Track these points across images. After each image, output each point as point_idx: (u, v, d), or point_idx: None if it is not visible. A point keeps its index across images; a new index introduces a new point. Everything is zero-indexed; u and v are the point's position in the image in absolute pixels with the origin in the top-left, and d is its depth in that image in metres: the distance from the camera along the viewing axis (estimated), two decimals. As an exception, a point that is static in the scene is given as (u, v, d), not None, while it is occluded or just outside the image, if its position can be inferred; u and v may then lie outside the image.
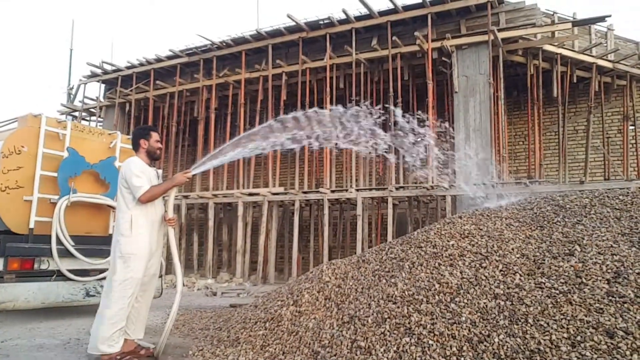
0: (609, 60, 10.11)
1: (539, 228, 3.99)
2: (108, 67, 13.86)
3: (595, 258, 3.31)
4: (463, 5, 9.20)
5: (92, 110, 14.98)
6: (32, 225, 5.43)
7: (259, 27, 11.11)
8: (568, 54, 9.70)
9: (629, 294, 2.87)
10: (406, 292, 3.61)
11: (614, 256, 3.29)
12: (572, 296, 2.98)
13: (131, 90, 13.32)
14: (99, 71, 14.08)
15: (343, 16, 10.17)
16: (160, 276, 6.18)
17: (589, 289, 3.02)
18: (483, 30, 9.08)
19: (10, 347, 4.13)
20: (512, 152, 11.45)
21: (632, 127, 10.71)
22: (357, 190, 9.71)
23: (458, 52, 9.37)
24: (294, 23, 10.55)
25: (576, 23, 9.13)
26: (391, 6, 9.60)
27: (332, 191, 10.09)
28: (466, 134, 9.05)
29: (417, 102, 10.85)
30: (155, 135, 3.97)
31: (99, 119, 14.89)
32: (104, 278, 5.80)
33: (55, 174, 5.67)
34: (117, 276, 3.64)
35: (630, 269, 3.12)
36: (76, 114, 15.10)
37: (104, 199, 6.12)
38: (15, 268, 5.13)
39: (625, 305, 2.81)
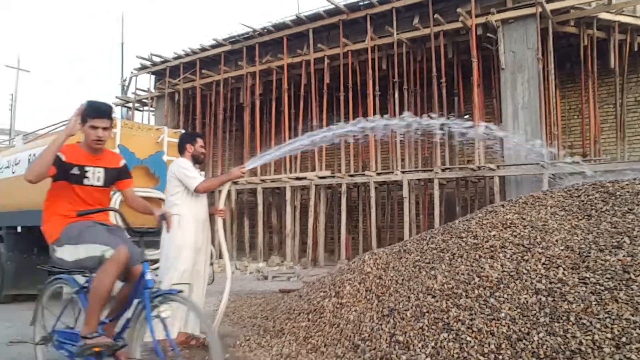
0: (675, 25, 9.39)
1: (585, 217, 3.85)
2: (156, 59, 14.30)
3: (645, 251, 3.17)
4: (508, -25, 8.79)
5: (144, 100, 15.54)
6: (90, 220, 5.78)
7: (299, 11, 11.09)
8: (627, 21, 9.09)
9: (680, 291, 2.75)
10: (445, 286, 3.61)
11: (666, 249, 3.14)
12: (618, 293, 2.88)
13: (179, 81, 13.69)
14: (148, 63, 14.55)
15: (383, -4, 9.98)
16: (211, 264, 6.47)
17: (637, 285, 2.91)
18: (530, 3, 8.65)
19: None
20: (566, 127, 10.93)
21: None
22: (403, 172, 9.63)
23: (504, 26, 9.00)
24: (333, 6, 10.44)
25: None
26: (433, -18, 9.32)
27: (378, 174, 10.07)
28: (514, 112, 8.74)
29: (463, 79, 10.52)
30: (200, 141, 4.15)
31: (151, 109, 15.43)
32: (157, 268, 6.15)
33: (108, 171, 5.98)
34: (170, 269, 3.86)
35: (683, 263, 2.97)
36: (129, 105, 15.74)
37: (155, 192, 6.42)
38: (75, 261, 5.49)
39: (675, 303, 2.69)
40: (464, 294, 3.43)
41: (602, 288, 2.98)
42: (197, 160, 4.17)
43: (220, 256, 6.56)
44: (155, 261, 6.03)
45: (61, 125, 6.82)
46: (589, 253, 3.36)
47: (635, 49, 9.68)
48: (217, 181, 4.06)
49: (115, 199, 5.87)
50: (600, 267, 3.19)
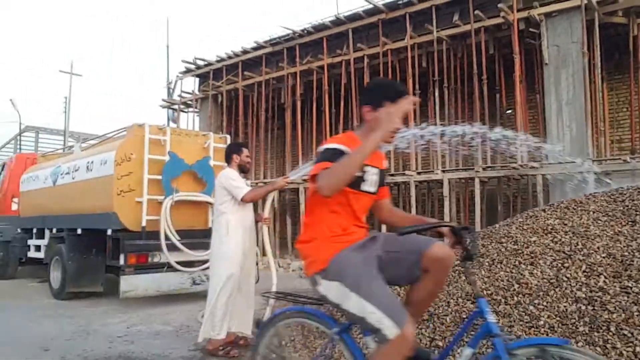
0: None
1: (629, 223, 3.82)
2: (200, 63, 14.73)
3: (690, 260, 3.15)
4: (552, -32, 8.58)
5: (188, 102, 16.05)
6: (144, 224, 6.15)
7: (338, 11, 11.19)
8: (680, 9, 8.70)
9: None
10: (484, 292, 3.67)
11: None
12: (660, 303, 2.89)
13: (222, 83, 14.08)
14: (192, 67, 15.01)
15: (422, -6, 9.94)
16: (257, 264, 6.75)
17: (679, 295, 2.91)
18: (576, -5, 8.42)
19: (133, 333, 4.81)
20: (614, 120, 10.57)
21: None
22: (444, 171, 9.61)
23: (547, 20, 8.79)
24: (372, 6, 10.49)
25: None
26: (473, -22, 9.21)
27: (419, 173, 10.08)
28: (558, 108, 8.55)
29: (504, 75, 10.35)
30: (245, 151, 4.39)
31: (195, 110, 15.92)
32: (207, 268, 6.47)
33: (159, 177, 6.33)
34: (220, 273, 4.11)
35: None
36: (175, 107, 16.31)
37: (203, 196, 6.72)
38: (133, 262, 5.89)
39: None
40: (503, 300, 3.50)
41: (644, 298, 2.99)
42: (243, 170, 4.39)
43: (264, 253, 6.86)
44: (205, 261, 6.39)
45: (116, 132, 7.23)
46: (632, 261, 3.36)
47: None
48: (262, 191, 4.27)
49: (166, 204, 6.24)
50: (643, 276, 3.19)
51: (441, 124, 10.39)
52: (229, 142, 7.27)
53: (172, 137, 6.58)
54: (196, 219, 6.81)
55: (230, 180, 4.16)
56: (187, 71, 15.40)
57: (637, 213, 3.90)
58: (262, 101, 13.35)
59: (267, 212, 4.44)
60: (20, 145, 24.98)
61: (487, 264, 4.01)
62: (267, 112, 13.59)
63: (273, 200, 11.90)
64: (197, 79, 15.79)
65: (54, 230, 7.57)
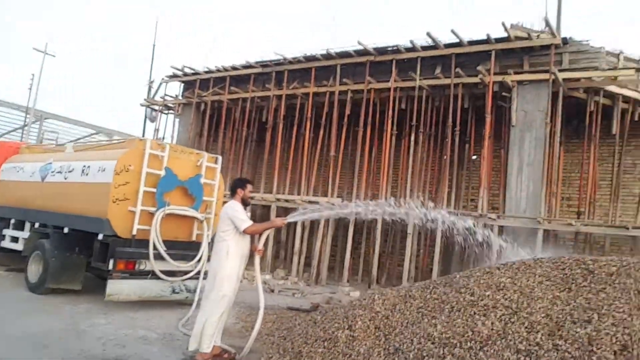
0: (675, 102, 10.16)
1: (566, 290, 4.58)
2: (188, 71, 15.10)
3: (609, 329, 3.90)
4: (527, 45, 9.57)
5: (170, 105, 16.34)
6: (134, 232, 6.54)
7: (330, 47, 11.88)
8: (630, 94, 9.85)
9: (629, 367, 3.48)
10: (444, 335, 4.34)
11: (625, 329, 3.86)
12: (581, 362, 3.61)
13: (208, 93, 14.50)
14: (179, 73, 15.36)
15: (410, 45, 10.77)
16: None
17: (596, 357, 3.64)
18: (545, 69, 9.42)
19: (122, 337, 5.22)
20: (566, 179, 11.66)
21: (694, 168, 10.71)
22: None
23: (519, 87, 9.77)
24: (362, 47, 11.25)
25: (640, 69, 9.30)
26: (456, 40, 10.10)
27: (386, 208, 10.78)
28: (519, 168, 9.48)
29: (475, 128, 11.30)
30: (249, 187, 4.94)
31: (177, 114, 16.19)
32: (188, 278, 6.92)
33: (154, 190, 6.75)
34: (215, 293, 4.61)
35: (636, 343, 3.70)
36: (156, 107, 16.56)
37: (191, 211, 7.18)
38: (121, 268, 6.27)
39: (624, 376, 3.42)
40: (458, 344, 4.16)
41: (570, 356, 3.71)
42: (245, 203, 4.94)
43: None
44: (187, 272, 6.83)
45: (110, 142, 7.57)
46: (564, 323, 4.09)
47: (636, 118, 10.44)
48: (262, 227, 4.84)
49: (157, 216, 6.67)
50: (571, 337, 3.91)
51: (412, 166, 11.21)
52: (220, 162, 7.77)
53: (170, 153, 7.01)
54: (181, 231, 7.24)
55: (235, 212, 4.70)
56: (174, 76, 15.73)
57: (574, 282, 4.66)
58: (245, 116, 13.85)
59: (261, 245, 4.99)
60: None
61: (447, 310, 4.69)
62: (249, 128, 14.08)
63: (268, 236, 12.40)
64: (182, 85, 16.13)
65: (37, 225, 7.77)
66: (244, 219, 4.70)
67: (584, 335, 3.89)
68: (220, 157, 7.83)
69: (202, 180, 7.38)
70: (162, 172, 6.87)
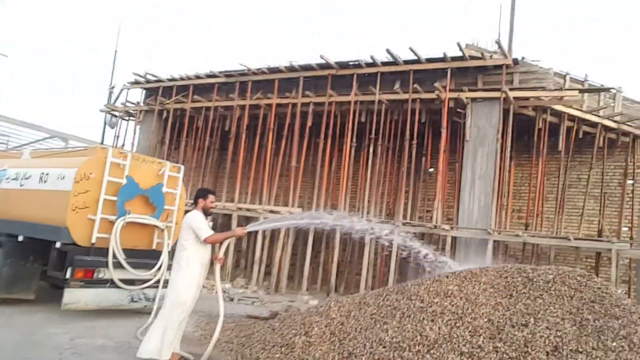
0: (615, 121, 10.89)
1: (508, 296, 4.93)
2: (151, 77, 15.03)
3: (543, 332, 4.25)
4: (481, 64, 10.10)
5: (131, 112, 16.17)
6: (94, 240, 6.53)
7: (292, 59, 12.13)
8: (575, 114, 10.52)
9: (558, 366, 3.82)
10: (394, 339, 4.59)
11: (557, 332, 4.23)
12: (517, 362, 3.93)
13: (170, 101, 14.46)
14: (141, 79, 15.26)
15: (370, 60, 11.15)
16: None
17: (531, 357, 3.97)
18: (497, 87, 9.95)
19: (79, 345, 5.22)
20: (517, 192, 12.27)
21: (632, 182, 11.48)
22: (368, 221, 10.66)
23: (472, 104, 10.27)
24: (324, 61, 11.55)
25: (583, 91, 9.96)
26: (415, 57, 10.54)
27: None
28: (472, 180, 9.95)
29: (432, 141, 11.76)
30: (211, 197, 5.08)
31: (138, 120, 16.02)
32: (147, 287, 6.94)
33: (115, 198, 6.77)
34: (174, 300, 4.71)
35: (566, 345, 4.05)
36: (116, 113, 16.35)
37: (152, 219, 7.21)
38: (79, 277, 6.25)
39: (554, 375, 3.75)
40: (407, 347, 4.43)
41: (508, 357, 4.03)
42: (207, 213, 5.08)
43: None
44: (146, 281, 6.85)
45: (69, 150, 7.52)
46: (504, 327, 4.42)
47: (581, 135, 11.14)
48: (222, 236, 4.99)
49: (117, 225, 6.68)
50: (510, 340, 4.24)
51: (370, 177, 11.55)
52: (182, 171, 7.84)
53: (132, 161, 7.04)
54: (141, 240, 7.25)
55: (196, 221, 4.83)
56: (135, 82, 15.61)
57: (514, 289, 5.03)
58: (208, 125, 13.90)
59: (221, 253, 5.13)
60: None
61: (398, 316, 4.96)
62: (212, 137, 14.13)
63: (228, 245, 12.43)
64: (144, 92, 16.02)
65: (-12, 233, 7.58)
66: (204, 228, 4.83)
67: (521, 338, 4.23)
68: (182, 167, 7.90)
69: (164, 189, 7.43)
70: (124, 181, 6.89)
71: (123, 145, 16.01)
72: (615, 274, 8.79)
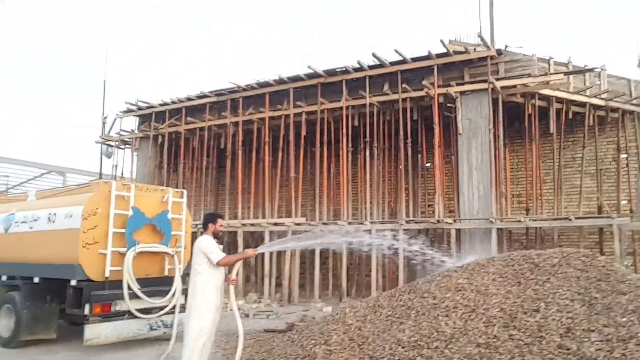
0: (602, 99, 11.07)
1: (517, 284, 5.07)
2: (142, 104, 15.18)
3: (554, 315, 4.38)
4: (466, 58, 10.27)
5: (126, 140, 16.31)
6: (107, 274, 6.65)
7: (281, 71, 12.28)
8: (563, 96, 10.69)
9: (573, 347, 3.95)
10: (412, 338, 4.72)
11: (568, 314, 4.36)
12: (532, 347, 4.07)
13: (164, 126, 14.61)
14: (134, 107, 15.41)
15: (357, 65, 11.32)
16: None
17: (545, 342, 4.10)
18: (484, 79, 10.13)
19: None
20: (514, 177, 12.44)
21: (625, 156, 11.64)
22: (372, 222, 10.81)
23: (462, 97, 10.43)
24: (312, 71, 11.72)
25: (568, 73, 10.14)
26: (400, 58, 10.72)
27: (349, 223, 11.21)
28: (469, 172, 10.10)
29: (426, 138, 11.93)
30: (220, 221, 5.22)
31: (134, 148, 16.16)
32: (164, 314, 7.05)
33: (123, 230, 6.89)
34: (194, 326, 4.83)
35: (578, 325, 4.19)
36: (112, 143, 16.48)
37: (161, 247, 7.33)
38: (97, 312, 6.35)
39: (569, 356, 3.89)
40: (425, 345, 4.55)
41: (523, 343, 4.16)
42: (216, 236, 5.22)
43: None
44: (163, 308, 6.96)
45: (72, 187, 7.66)
46: (516, 315, 4.56)
47: (570, 116, 11.31)
48: (234, 258, 5.14)
49: (128, 256, 6.80)
50: (524, 326, 4.38)
51: (370, 179, 11.71)
52: (185, 196, 7.97)
53: (135, 192, 7.16)
54: (153, 268, 7.36)
55: (208, 246, 4.96)
56: (128, 111, 15.76)
57: (522, 276, 5.17)
58: (203, 145, 14.05)
59: (234, 275, 5.27)
60: None
61: (413, 315, 5.09)
62: (208, 157, 14.27)
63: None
64: (138, 119, 16.16)
65: (4, 277, 7.70)
66: (216, 252, 4.96)
67: (534, 323, 4.37)
68: (185, 191, 8.03)
69: (170, 216, 7.55)
70: (130, 212, 7.01)
71: (122, 174, 16.15)
72: (619, 248, 8.94)
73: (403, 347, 4.62)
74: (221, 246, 5.46)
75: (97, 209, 6.74)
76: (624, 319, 4.06)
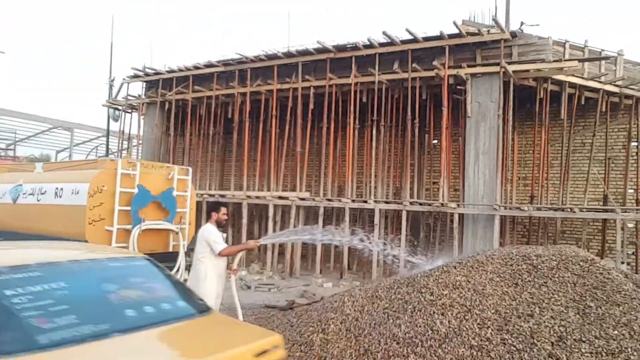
0: (617, 85, 10.85)
1: (513, 285, 5.14)
2: (150, 71, 15.05)
3: (548, 322, 4.47)
4: (478, 40, 10.03)
5: (133, 104, 16.26)
6: (113, 251, 6.78)
7: (290, 43, 12.07)
8: (576, 81, 10.49)
9: (563, 357, 4.05)
10: (407, 334, 4.84)
11: (562, 321, 4.44)
12: (523, 354, 4.17)
13: (172, 93, 14.53)
14: (141, 73, 15.29)
15: (367, 42, 11.10)
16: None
17: (537, 349, 4.20)
18: (496, 62, 9.92)
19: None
20: (522, 159, 12.37)
21: (636, 144, 11.52)
22: (376, 201, 10.86)
23: (472, 79, 10.25)
24: (321, 45, 11.51)
25: (583, 60, 9.91)
26: (412, 37, 10.49)
27: (353, 200, 11.27)
28: (476, 156, 10.05)
29: (434, 119, 11.82)
30: (223, 210, 5.29)
31: (141, 113, 16.13)
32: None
33: (128, 208, 6.99)
34: None
35: (570, 334, 4.27)
36: (118, 107, 16.46)
37: (166, 224, 7.45)
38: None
39: (558, 365, 3.99)
40: (420, 343, 4.67)
41: (514, 349, 4.26)
42: (220, 225, 5.29)
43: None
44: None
45: (79, 162, 7.71)
46: (511, 318, 4.65)
47: (583, 102, 11.13)
48: (236, 249, 5.23)
49: (134, 233, 6.93)
50: (516, 331, 4.47)
51: (375, 156, 11.69)
52: (190, 173, 8.02)
53: (141, 170, 7.23)
54: (157, 244, 7.51)
55: (211, 235, 5.05)
56: (135, 77, 15.64)
57: (520, 277, 5.23)
58: (210, 114, 14.00)
59: (236, 264, 5.39)
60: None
61: (409, 310, 5.19)
62: (215, 126, 14.24)
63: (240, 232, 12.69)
64: (145, 84, 16.06)
65: (12, 245, 7.88)
66: (219, 242, 5.06)
67: (527, 328, 4.45)
68: (190, 169, 8.08)
69: (175, 193, 7.63)
70: (135, 190, 7.09)
71: (129, 137, 16.22)
72: (620, 241, 8.98)
73: (398, 343, 4.75)
74: (224, 235, 5.56)
75: (103, 186, 6.82)
76: (616, 332, 4.14)
